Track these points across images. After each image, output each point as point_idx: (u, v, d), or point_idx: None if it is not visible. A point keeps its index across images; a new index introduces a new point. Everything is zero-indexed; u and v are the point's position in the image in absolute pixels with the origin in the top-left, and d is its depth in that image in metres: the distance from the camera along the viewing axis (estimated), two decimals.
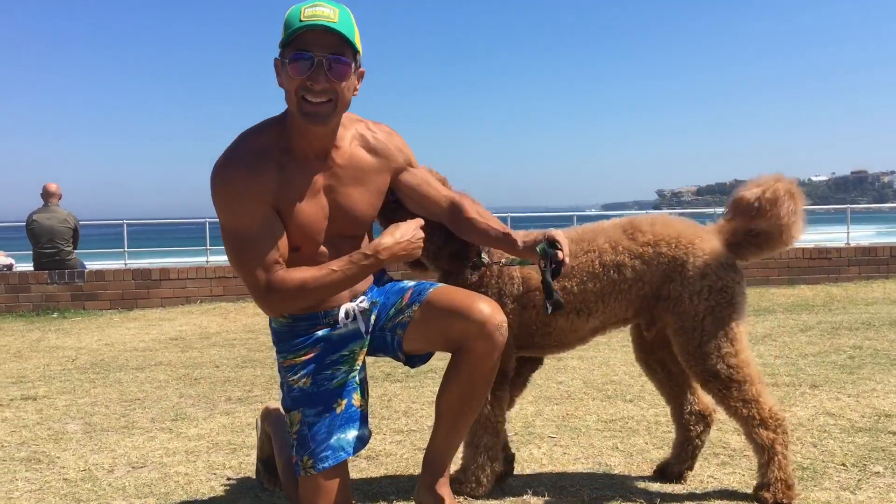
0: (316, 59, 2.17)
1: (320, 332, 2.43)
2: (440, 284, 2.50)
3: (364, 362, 2.52)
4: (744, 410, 2.56)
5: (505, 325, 2.33)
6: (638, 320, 2.77)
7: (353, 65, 2.23)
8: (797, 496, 2.55)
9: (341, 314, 2.42)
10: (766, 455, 2.56)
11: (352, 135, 2.40)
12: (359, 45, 2.25)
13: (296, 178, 2.29)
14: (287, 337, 2.45)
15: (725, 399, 2.58)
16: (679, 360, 2.67)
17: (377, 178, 2.44)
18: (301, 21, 2.15)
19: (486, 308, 2.31)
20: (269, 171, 2.26)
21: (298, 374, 2.41)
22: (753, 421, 2.56)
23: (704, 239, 2.64)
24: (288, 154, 2.30)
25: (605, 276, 2.63)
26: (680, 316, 2.59)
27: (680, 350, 2.63)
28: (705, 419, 2.87)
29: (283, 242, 2.29)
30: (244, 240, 2.26)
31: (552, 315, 2.52)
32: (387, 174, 2.47)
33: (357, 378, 2.48)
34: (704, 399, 2.84)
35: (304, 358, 2.42)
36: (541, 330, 2.68)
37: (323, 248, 2.37)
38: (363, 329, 2.45)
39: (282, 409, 2.95)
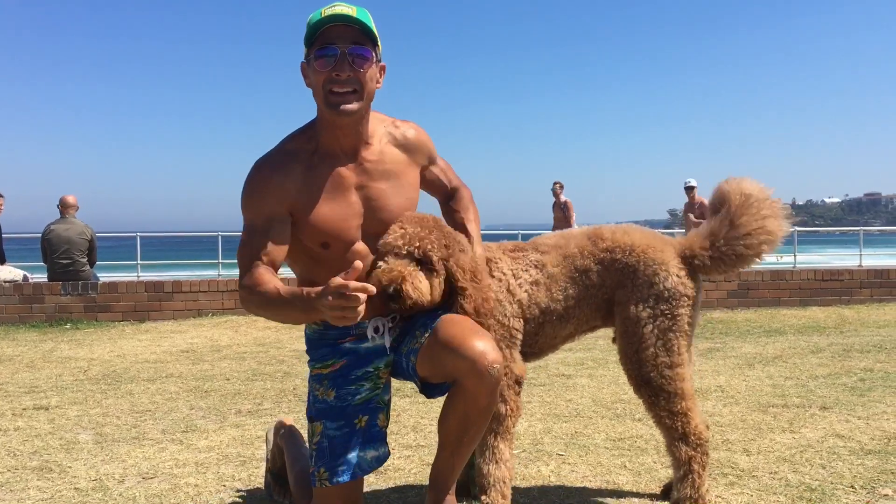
0: (339, 50, 2.26)
1: (348, 345, 2.46)
2: (450, 314, 2.38)
3: (389, 382, 2.54)
4: (667, 421, 2.60)
5: (499, 363, 2.21)
6: (605, 326, 2.80)
7: (374, 55, 2.32)
8: None
9: (370, 329, 2.44)
10: (682, 471, 2.59)
11: (381, 133, 2.46)
12: (378, 40, 2.33)
13: (324, 177, 2.36)
14: (318, 345, 2.50)
15: (653, 408, 2.62)
16: (620, 362, 2.71)
17: (408, 173, 2.51)
18: (322, 18, 2.26)
19: (480, 346, 2.20)
20: (294, 171, 2.34)
21: (323, 385, 2.45)
22: (675, 433, 2.59)
23: (658, 249, 2.67)
24: (317, 154, 2.38)
25: (581, 281, 2.67)
26: (624, 321, 2.64)
27: (620, 353, 2.69)
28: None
29: (280, 248, 2.34)
30: (247, 232, 2.35)
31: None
32: (416, 169, 2.54)
33: (383, 398, 2.50)
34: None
35: (330, 369, 2.46)
36: (530, 340, 2.70)
37: (359, 246, 2.41)
38: (388, 346, 2.47)
39: (285, 422, 2.97)
